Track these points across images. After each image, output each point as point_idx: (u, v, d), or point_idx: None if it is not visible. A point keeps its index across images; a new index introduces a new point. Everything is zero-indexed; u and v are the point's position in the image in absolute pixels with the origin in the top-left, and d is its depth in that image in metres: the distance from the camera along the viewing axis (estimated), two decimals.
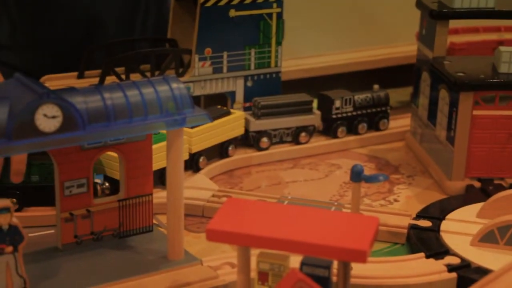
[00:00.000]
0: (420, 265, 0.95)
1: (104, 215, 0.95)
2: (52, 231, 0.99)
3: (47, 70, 1.25)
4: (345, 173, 1.23)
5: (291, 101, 1.28)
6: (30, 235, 0.97)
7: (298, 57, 1.42)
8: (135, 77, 1.21)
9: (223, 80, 1.25)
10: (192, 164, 1.16)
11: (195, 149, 1.15)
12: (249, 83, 1.27)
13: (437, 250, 0.98)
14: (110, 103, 0.86)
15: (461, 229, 1.03)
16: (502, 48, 1.17)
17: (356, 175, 0.95)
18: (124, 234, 0.96)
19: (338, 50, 1.49)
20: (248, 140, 1.25)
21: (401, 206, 1.13)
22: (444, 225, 1.04)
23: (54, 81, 1.21)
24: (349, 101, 1.31)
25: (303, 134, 1.28)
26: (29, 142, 0.80)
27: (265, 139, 1.26)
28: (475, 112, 1.14)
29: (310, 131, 1.29)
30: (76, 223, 0.93)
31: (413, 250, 1.01)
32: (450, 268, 0.94)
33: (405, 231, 1.03)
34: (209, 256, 0.96)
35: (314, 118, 1.29)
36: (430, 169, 1.22)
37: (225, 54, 1.24)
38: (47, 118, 0.81)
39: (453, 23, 1.33)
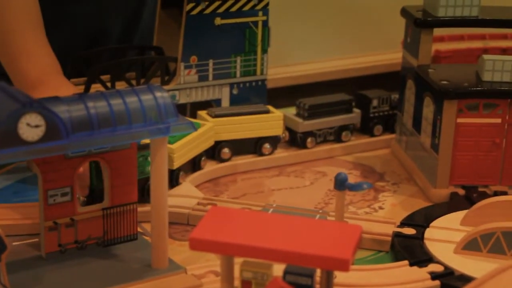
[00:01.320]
0: (403, 273, 0.95)
1: (88, 224, 0.95)
2: (36, 239, 0.99)
3: None
4: (330, 180, 1.23)
5: (333, 101, 1.31)
6: (13, 243, 0.98)
7: (283, 64, 1.42)
8: (120, 85, 1.22)
9: (208, 87, 1.26)
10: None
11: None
12: (234, 91, 1.28)
13: (420, 257, 0.98)
14: (93, 112, 0.86)
15: (445, 236, 1.03)
16: (485, 56, 1.18)
17: (340, 184, 0.96)
18: (108, 242, 0.96)
19: (324, 57, 1.50)
20: (296, 141, 1.28)
21: (386, 213, 1.13)
22: (428, 232, 1.04)
23: None
24: (386, 100, 1.35)
25: (344, 133, 1.31)
26: (12, 151, 0.80)
27: (311, 140, 1.28)
28: (459, 120, 1.14)
29: (351, 129, 1.32)
30: (60, 232, 0.93)
31: (397, 258, 1.01)
32: (434, 275, 0.94)
33: (389, 238, 1.03)
34: (194, 264, 0.96)
35: (355, 117, 1.33)
36: (415, 176, 1.23)
37: (210, 62, 1.24)
38: (30, 127, 0.81)
39: (439, 31, 1.34)
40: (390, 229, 1.05)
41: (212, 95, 1.26)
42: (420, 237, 1.03)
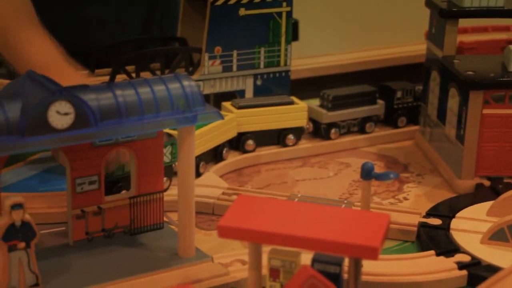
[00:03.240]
0: (430, 263, 0.95)
1: (115, 212, 0.95)
2: (63, 228, 1.00)
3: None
4: (354, 171, 1.23)
5: (357, 92, 1.31)
6: (42, 232, 0.99)
7: (307, 56, 1.42)
8: (145, 75, 1.22)
9: (232, 78, 1.26)
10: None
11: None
12: (258, 82, 1.28)
13: (447, 248, 0.98)
14: (122, 100, 0.86)
15: (471, 227, 1.03)
16: (511, 46, 1.17)
17: (366, 173, 0.95)
18: (135, 231, 0.97)
19: (346, 49, 1.49)
20: (319, 132, 1.28)
21: (410, 204, 1.13)
22: (454, 223, 1.04)
23: None
24: (409, 92, 1.35)
25: (368, 124, 1.31)
26: (41, 139, 0.81)
27: (335, 131, 1.29)
28: (485, 111, 1.14)
29: (375, 121, 1.32)
30: (88, 220, 0.94)
31: (423, 248, 1.01)
32: (461, 265, 0.94)
33: (415, 229, 1.03)
34: (220, 253, 0.96)
35: (379, 108, 1.33)
36: (440, 167, 1.22)
37: (234, 52, 1.24)
38: (60, 115, 0.81)
39: (462, 22, 1.33)
40: (415, 219, 1.05)
41: (236, 86, 1.26)
42: (446, 227, 1.03)
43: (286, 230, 0.78)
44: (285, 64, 1.29)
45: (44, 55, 1.15)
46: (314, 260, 0.80)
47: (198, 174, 1.15)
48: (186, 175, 0.91)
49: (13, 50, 1.16)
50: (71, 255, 0.92)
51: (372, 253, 0.76)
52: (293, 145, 1.27)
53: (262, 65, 1.27)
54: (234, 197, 1.09)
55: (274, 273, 0.82)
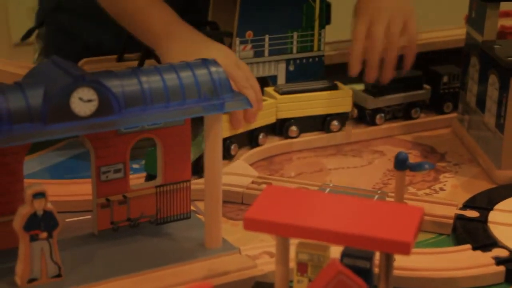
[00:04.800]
0: (466, 257, 0.91)
1: (141, 201, 0.93)
2: (89, 216, 0.98)
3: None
4: (388, 160, 1.19)
5: (404, 77, 1.27)
6: (66, 220, 0.97)
7: (339, 40, 1.38)
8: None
9: (264, 63, 1.22)
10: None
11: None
12: (291, 67, 1.24)
13: (484, 242, 0.94)
14: (147, 86, 0.83)
15: (510, 220, 0.99)
16: None
17: (401, 163, 0.92)
18: (161, 221, 0.94)
19: None
20: (364, 118, 1.25)
21: (447, 195, 1.09)
22: (492, 215, 1.00)
23: (93, 64, 1.19)
24: (456, 77, 1.31)
25: (414, 109, 1.28)
26: (64, 126, 0.78)
27: (380, 116, 1.25)
28: None
29: (421, 106, 1.29)
30: (113, 209, 0.91)
31: (459, 242, 0.97)
32: (498, 261, 0.90)
33: (451, 221, 0.99)
34: (248, 245, 0.93)
35: (425, 94, 1.29)
36: (478, 157, 1.18)
37: (266, 37, 1.21)
38: (83, 101, 0.79)
39: (504, 6, 1.29)
40: (452, 211, 1.01)
41: (268, 71, 1.23)
42: (483, 220, 0.99)
43: (314, 223, 0.75)
44: (319, 49, 1.25)
45: (162, 19, 1.14)
46: (344, 254, 0.77)
47: (229, 156, 1.14)
48: (213, 164, 0.88)
49: (132, 20, 1.15)
50: (95, 245, 0.90)
51: (404, 248, 0.72)
52: (338, 131, 1.23)
53: (295, 50, 1.24)
54: (264, 186, 1.06)
55: (301, 267, 0.79)
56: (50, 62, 0.83)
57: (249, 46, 1.21)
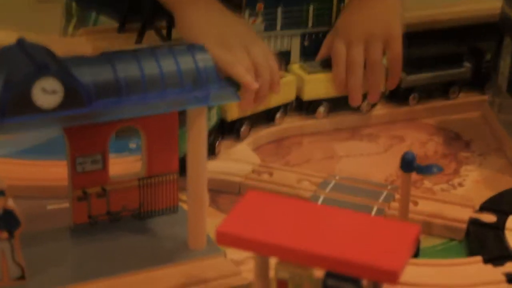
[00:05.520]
0: (474, 272, 0.82)
1: (122, 194, 0.85)
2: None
3: None
4: (407, 147, 1.10)
5: (442, 54, 1.17)
6: (48, 208, 0.91)
7: None
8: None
9: (276, 38, 1.13)
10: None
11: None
12: (306, 43, 1.15)
13: (497, 253, 0.85)
14: (122, 75, 0.75)
15: None
16: None
17: (407, 165, 0.83)
18: (144, 215, 0.87)
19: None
20: (397, 96, 1.15)
21: (466, 191, 1.00)
22: (511, 222, 0.91)
23: (91, 35, 1.12)
24: None
25: (452, 89, 1.18)
26: (25, 120, 0.71)
27: (414, 96, 1.16)
28: None
29: (460, 85, 1.19)
30: (90, 202, 0.84)
31: (471, 250, 0.88)
32: (510, 278, 0.82)
33: (464, 226, 0.90)
34: None
35: (464, 72, 1.19)
36: (506, 147, 1.08)
37: (279, 9, 1.12)
38: (46, 93, 0.72)
39: None
40: (466, 214, 0.91)
41: (280, 47, 1.13)
42: (500, 226, 0.90)
43: (294, 242, 0.67)
44: None
45: None
46: (328, 275, 0.69)
47: (238, 138, 1.06)
48: (196, 163, 0.80)
49: None
50: (68, 241, 0.83)
51: (392, 278, 0.64)
52: (368, 111, 1.14)
53: (310, 23, 1.14)
54: (265, 176, 0.98)
55: (281, 285, 0.71)
56: (16, 46, 0.76)
57: (260, 19, 1.11)
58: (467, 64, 1.21)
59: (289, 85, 1.11)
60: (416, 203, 0.92)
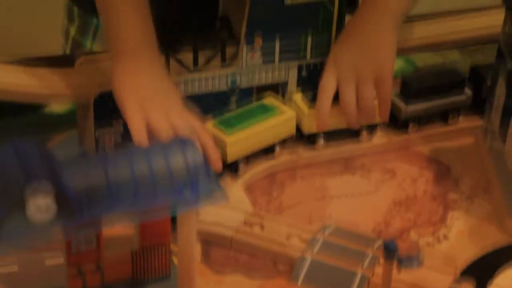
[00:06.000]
0: None
1: (115, 267, 0.88)
2: None
3: None
4: (398, 185, 1.11)
5: (442, 82, 1.17)
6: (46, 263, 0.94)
7: None
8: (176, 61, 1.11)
9: (274, 70, 1.13)
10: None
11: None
12: (303, 73, 1.15)
13: None
14: (114, 181, 0.78)
15: None
16: None
17: (389, 254, 0.86)
18: (137, 283, 0.91)
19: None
20: (397, 126, 1.17)
21: (450, 247, 1.02)
22: None
23: (90, 64, 1.12)
24: None
25: (451, 115, 1.19)
26: (18, 233, 0.74)
27: (413, 125, 1.17)
28: None
29: (459, 111, 1.19)
30: (85, 277, 0.87)
31: None
32: None
33: None
34: None
35: (465, 100, 1.19)
36: (493, 190, 1.10)
37: (277, 43, 1.11)
38: (40, 210, 0.74)
39: None
40: (447, 282, 0.95)
41: (277, 78, 1.14)
42: None
43: None
44: None
45: (135, 40, 1.04)
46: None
47: (237, 176, 1.09)
48: (186, 263, 0.83)
49: (109, 26, 1.05)
50: None
51: None
52: (368, 140, 1.16)
53: (308, 55, 1.14)
54: (257, 228, 1.01)
55: None
56: (11, 149, 0.78)
57: (258, 53, 1.11)
58: (468, 91, 1.20)
59: (289, 121, 1.12)
60: (399, 270, 0.95)
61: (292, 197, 1.09)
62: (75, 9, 1.29)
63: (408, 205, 1.08)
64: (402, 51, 1.22)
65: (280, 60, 1.12)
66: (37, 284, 0.88)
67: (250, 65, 1.11)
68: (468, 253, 0.99)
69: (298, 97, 1.15)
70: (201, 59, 1.10)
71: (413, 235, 1.04)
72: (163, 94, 1.02)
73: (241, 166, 1.09)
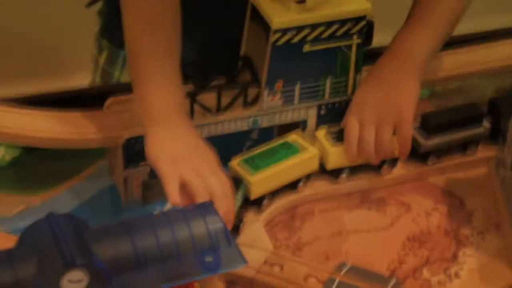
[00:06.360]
0: None
1: None
2: None
3: None
4: (412, 221, 1.16)
5: (461, 117, 1.22)
6: None
7: None
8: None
9: (294, 110, 1.18)
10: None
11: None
12: (322, 111, 1.20)
13: None
14: (140, 248, 0.84)
15: None
16: None
17: None
18: None
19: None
20: (416, 157, 1.21)
21: (461, 285, 1.07)
22: None
23: (119, 106, 1.17)
24: None
25: (469, 146, 1.23)
26: None
27: (433, 157, 1.22)
28: None
29: (478, 143, 1.24)
30: None
31: None
32: None
33: None
34: None
35: (484, 132, 1.24)
36: (504, 226, 1.14)
37: (297, 87, 1.16)
38: (72, 283, 0.81)
39: None
40: None
41: (297, 117, 1.19)
42: None
43: None
44: (353, 92, 1.20)
45: (163, 104, 1.08)
46: None
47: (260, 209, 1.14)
48: None
49: (137, 84, 1.09)
50: None
51: None
52: (388, 173, 1.21)
53: (327, 95, 1.18)
54: (276, 269, 1.07)
55: None
56: (46, 224, 0.84)
57: (278, 95, 1.16)
58: (486, 124, 1.24)
59: (313, 158, 1.17)
60: None
61: (310, 233, 1.15)
62: (105, 41, 1.34)
63: (422, 241, 1.14)
64: (429, 83, 1.29)
65: (299, 102, 1.18)
66: None
67: (271, 106, 1.16)
68: None
69: (321, 134, 1.20)
70: (223, 102, 1.16)
71: (425, 273, 1.09)
72: (196, 154, 1.06)
73: (265, 202, 1.15)
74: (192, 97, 1.14)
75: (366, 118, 1.16)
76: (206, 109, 1.15)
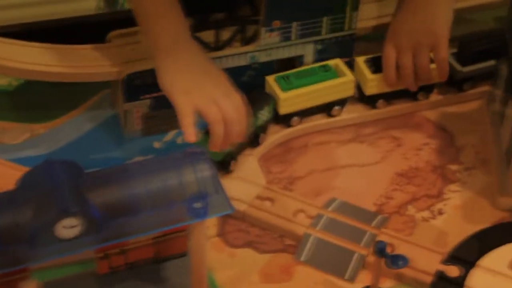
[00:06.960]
0: None
1: (138, 250, 0.99)
2: None
3: None
4: (401, 156, 1.20)
5: (497, 44, 1.24)
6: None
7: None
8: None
9: (291, 46, 1.20)
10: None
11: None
12: (318, 46, 1.21)
13: None
14: (132, 194, 0.88)
15: (488, 285, 1.00)
16: None
17: (379, 252, 0.95)
18: (158, 260, 1.03)
19: None
20: (452, 86, 1.25)
21: (444, 222, 1.11)
22: (472, 277, 1.00)
23: (122, 39, 1.20)
24: None
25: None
26: (47, 250, 0.85)
27: (467, 84, 1.26)
28: None
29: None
30: (111, 259, 0.99)
31: None
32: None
33: (430, 279, 1.02)
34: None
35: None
36: (491, 161, 1.16)
37: (294, 24, 1.17)
38: (67, 228, 0.85)
39: None
40: (434, 263, 1.03)
41: (294, 52, 1.21)
42: (461, 282, 1.01)
43: None
44: (350, 28, 1.21)
45: (170, 34, 1.10)
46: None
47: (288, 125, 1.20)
48: (199, 271, 0.93)
49: (143, 20, 1.12)
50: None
51: None
52: (424, 99, 1.25)
53: (324, 32, 1.20)
54: (268, 203, 1.12)
55: None
56: (44, 170, 0.87)
57: (276, 33, 1.18)
58: None
59: (348, 84, 1.21)
60: (393, 249, 1.05)
61: (303, 167, 1.19)
62: None
63: (410, 177, 1.17)
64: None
65: (296, 39, 1.20)
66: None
67: (269, 43, 1.18)
68: (461, 229, 1.09)
69: (361, 60, 1.23)
70: (222, 38, 1.18)
71: (410, 209, 1.13)
72: (208, 81, 1.09)
73: (294, 119, 1.20)
74: (191, 32, 1.16)
75: (403, 44, 1.19)
76: (205, 44, 1.17)
